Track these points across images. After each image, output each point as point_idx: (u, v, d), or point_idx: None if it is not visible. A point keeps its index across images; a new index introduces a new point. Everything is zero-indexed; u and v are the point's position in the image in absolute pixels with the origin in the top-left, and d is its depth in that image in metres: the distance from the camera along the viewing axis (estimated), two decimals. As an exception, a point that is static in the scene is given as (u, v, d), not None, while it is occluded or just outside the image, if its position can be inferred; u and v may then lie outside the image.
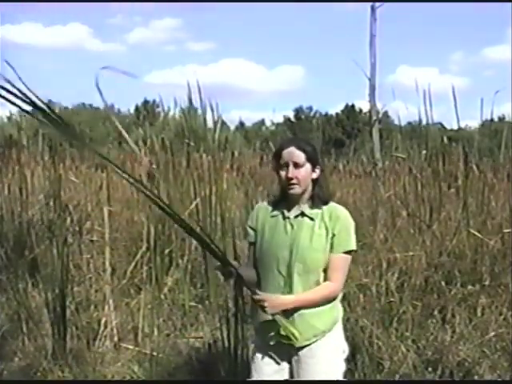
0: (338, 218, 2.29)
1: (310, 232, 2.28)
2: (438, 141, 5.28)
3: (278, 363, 2.37)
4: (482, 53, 69.49)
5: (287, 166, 2.29)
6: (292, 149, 2.29)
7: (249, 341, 3.42)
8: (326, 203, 2.32)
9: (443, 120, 6.39)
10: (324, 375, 2.31)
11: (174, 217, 2.20)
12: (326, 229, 2.28)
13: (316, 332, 2.30)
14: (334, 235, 2.27)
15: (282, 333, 2.29)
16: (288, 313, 2.27)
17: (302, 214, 2.31)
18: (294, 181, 2.28)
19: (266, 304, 2.21)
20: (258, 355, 2.39)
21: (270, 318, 2.27)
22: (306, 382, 2.32)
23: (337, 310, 2.38)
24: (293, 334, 2.26)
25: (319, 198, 2.32)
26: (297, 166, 2.28)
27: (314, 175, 2.32)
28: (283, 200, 2.36)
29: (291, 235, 2.29)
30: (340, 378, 2.36)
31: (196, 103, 5.20)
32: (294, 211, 2.32)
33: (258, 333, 2.41)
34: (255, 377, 2.39)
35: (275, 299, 2.24)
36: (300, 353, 2.32)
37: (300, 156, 2.28)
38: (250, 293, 2.32)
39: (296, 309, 2.27)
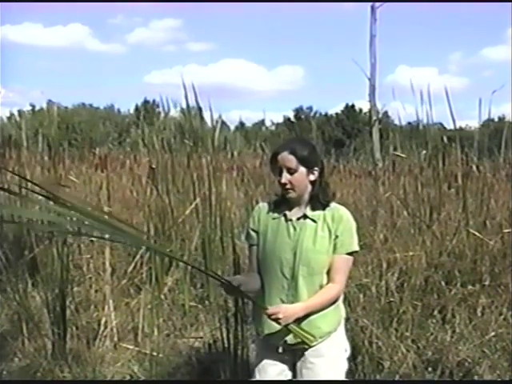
0: (341, 219, 2.28)
1: (313, 234, 2.27)
2: (438, 141, 5.27)
3: (282, 364, 2.36)
4: (481, 53, 69.53)
5: (281, 170, 2.28)
6: (284, 154, 2.27)
7: (249, 340, 3.43)
8: (326, 204, 2.31)
9: (443, 120, 6.38)
10: (329, 374, 2.32)
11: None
12: (329, 230, 2.27)
13: (321, 333, 2.30)
14: (336, 236, 2.27)
15: (290, 341, 2.29)
16: (298, 319, 2.26)
17: (305, 217, 2.30)
18: (288, 186, 2.27)
19: (280, 316, 2.19)
20: (262, 357, 2.39)
21: (278, 328, 2.25)
22: (308, 381, 2.33)
23: (340, 310, 2.40)
24: (308, 338, 2.26)
25: (318, 200, 2.30)
26: (290, 170, 2.26)
27: (312, 177, 2.30)
28: (284, 201, 2.34)
29: (294, 238, 2.28)
30: (343, 376, 2.37)
31: (195, 103, 5.19)
32: (296, 213, 2.32)
33: (263, 340, 2.39)
34: (258, 378, 2.39)
35: (287, 309, 2.22)
36: (305, 353, 2.33)
37: (292, 161, 2.26)
38: (255, 306, 2.31)
39: (305, 314, 2.27)
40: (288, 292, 2.28)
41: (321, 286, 2.28)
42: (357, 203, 5.79)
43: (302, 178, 2.28)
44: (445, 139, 5.32)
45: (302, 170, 2.27)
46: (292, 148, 2.28)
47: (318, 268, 2.26)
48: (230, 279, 2.21)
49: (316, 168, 2.30)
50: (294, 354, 2.35)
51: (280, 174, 2.28)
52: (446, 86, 4.73)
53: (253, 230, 2.40)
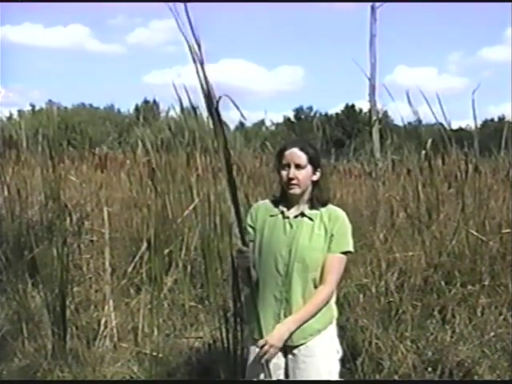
0: (337, 218, 2.33)
1: (309, 232, 2.31)
2: (437, 141, 5.26)
3: (274, 364, 2.36)
4: (480, 53, 69.52)
5: (289, 166, 2.32)
6: (295, 150, 2.33)
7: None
8: (324, 205, 2.36)
9: (442, 120, 6.36)
10: (321, 374, 2.32)
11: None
12: (325, 229, 2.31)
13: (312, 331, 2.33)
14: (332, 235, 2.31)
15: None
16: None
17: (302, 215, 2.34)
18: (294, 181, 2.31)
19: (271, 343, 2.24)
20: (254, 355, 2.39)
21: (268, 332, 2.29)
22: (306, 381, 2.33)
23: (332, 310, 2.41)
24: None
25: (318, 200, 2.35)
26: (298, 167, 2.31)
27: (315, 177, 2.36)
28: (283, 199, 2.39)
29: (290, 235, 2.32)
30: (336, 377, 2.38)
31: (194, 104, 5.17)
32: (294, 211, 2.35)
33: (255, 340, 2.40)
34: (251, 377, 2.40)
35: (273, 335, 2.26)
36: (296, 351, 2.34)
37: (302, 158, 2.32)
38: (248, 308, 2.35)
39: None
40: (282, 288, 2.31)
41: (315, 284, 2.31)
42: (356, 203, 5.80)
43: (308, 176, 2.33)
44: (445, 139, 5.31)
45: (309, 168, 2.33)
46: (303, 146, 2.35)
47: (312, 265, 2.29)
48: (245, 250, 2.25)
49: (319, 169, 2.37)
50: (284, 351, 2.36)
51: (287, 170, 2.32)
52: (437, 93, 4.75)
53: (250, 226, 2.43)
